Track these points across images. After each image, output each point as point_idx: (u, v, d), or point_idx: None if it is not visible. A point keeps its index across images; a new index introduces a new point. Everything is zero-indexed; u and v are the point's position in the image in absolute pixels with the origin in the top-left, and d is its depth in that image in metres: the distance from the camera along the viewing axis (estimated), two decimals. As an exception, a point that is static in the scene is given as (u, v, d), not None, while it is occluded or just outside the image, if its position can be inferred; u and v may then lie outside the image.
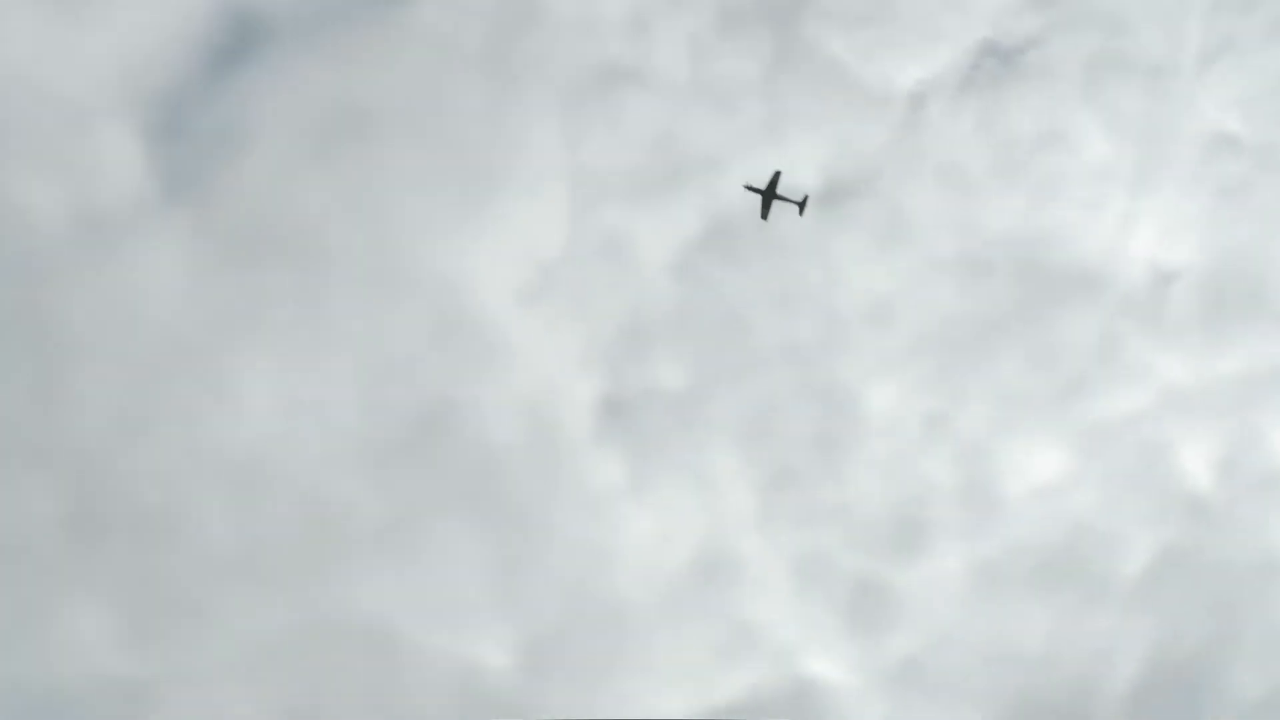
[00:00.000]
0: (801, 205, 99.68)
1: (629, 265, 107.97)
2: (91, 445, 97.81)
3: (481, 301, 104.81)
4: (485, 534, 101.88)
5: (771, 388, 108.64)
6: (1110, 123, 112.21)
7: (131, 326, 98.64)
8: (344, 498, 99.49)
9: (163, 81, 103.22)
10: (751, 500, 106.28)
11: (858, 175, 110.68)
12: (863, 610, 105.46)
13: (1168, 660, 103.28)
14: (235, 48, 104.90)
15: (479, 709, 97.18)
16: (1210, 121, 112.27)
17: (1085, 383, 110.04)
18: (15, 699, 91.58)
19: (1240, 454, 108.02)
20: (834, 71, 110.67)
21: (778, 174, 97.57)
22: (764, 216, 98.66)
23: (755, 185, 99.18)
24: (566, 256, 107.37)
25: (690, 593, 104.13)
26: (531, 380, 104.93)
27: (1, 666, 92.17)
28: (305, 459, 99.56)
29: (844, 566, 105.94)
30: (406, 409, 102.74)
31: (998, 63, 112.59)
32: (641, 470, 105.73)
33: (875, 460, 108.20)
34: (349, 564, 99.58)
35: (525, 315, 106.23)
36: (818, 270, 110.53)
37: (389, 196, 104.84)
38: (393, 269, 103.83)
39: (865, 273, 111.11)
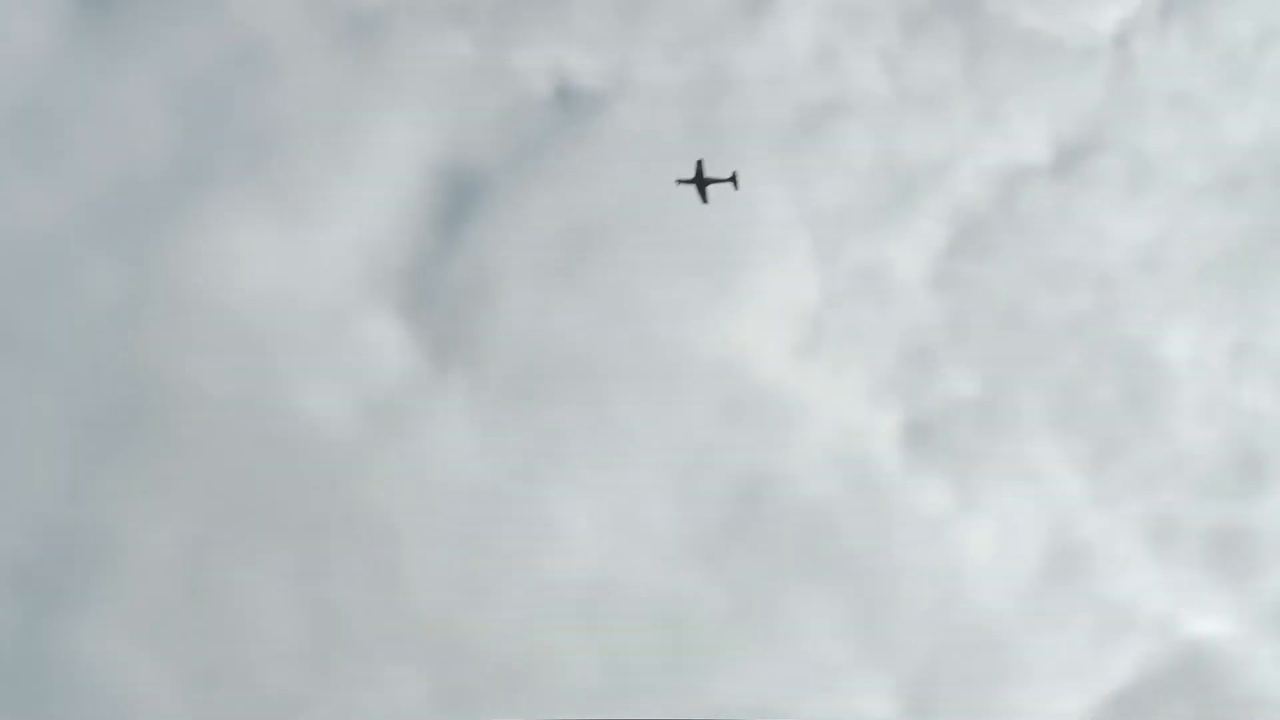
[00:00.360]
0: (733, 179, 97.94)
1: (890, 290, 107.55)
2: (440, 617, 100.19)
3: (761, 369, 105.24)
4: (832, 592, 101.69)
5: (1067, 365, 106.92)
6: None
7: (445, 495, 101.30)
8: (689, 597, 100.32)
9: (402, 256, 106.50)
10: (1083, 482, 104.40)
11: (1087, 132, 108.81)
12: (1226, 558, 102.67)
13: None
14: (458, 204, 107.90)
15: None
16: None
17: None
18: None
19: None
20: (1032, 40, 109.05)
21: (700, 161, 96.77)
22: (704, 200, 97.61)
23: (684, 177, 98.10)
24: (828, 300, 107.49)
25: (1050, 590, 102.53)
26: (832, 430, 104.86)
27: None
28: (642, 570, 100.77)
29: (1195, 520, 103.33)
30: (723, 494, 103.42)
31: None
32: (965, 485, 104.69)
33: (1193, 406, 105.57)
34: (710, 659, 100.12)
35: (806, 369, 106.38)
36: (1076, 237, 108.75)
37: (642, 296, 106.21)
38: (668, 364, 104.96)
39: (1123, 225, 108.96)
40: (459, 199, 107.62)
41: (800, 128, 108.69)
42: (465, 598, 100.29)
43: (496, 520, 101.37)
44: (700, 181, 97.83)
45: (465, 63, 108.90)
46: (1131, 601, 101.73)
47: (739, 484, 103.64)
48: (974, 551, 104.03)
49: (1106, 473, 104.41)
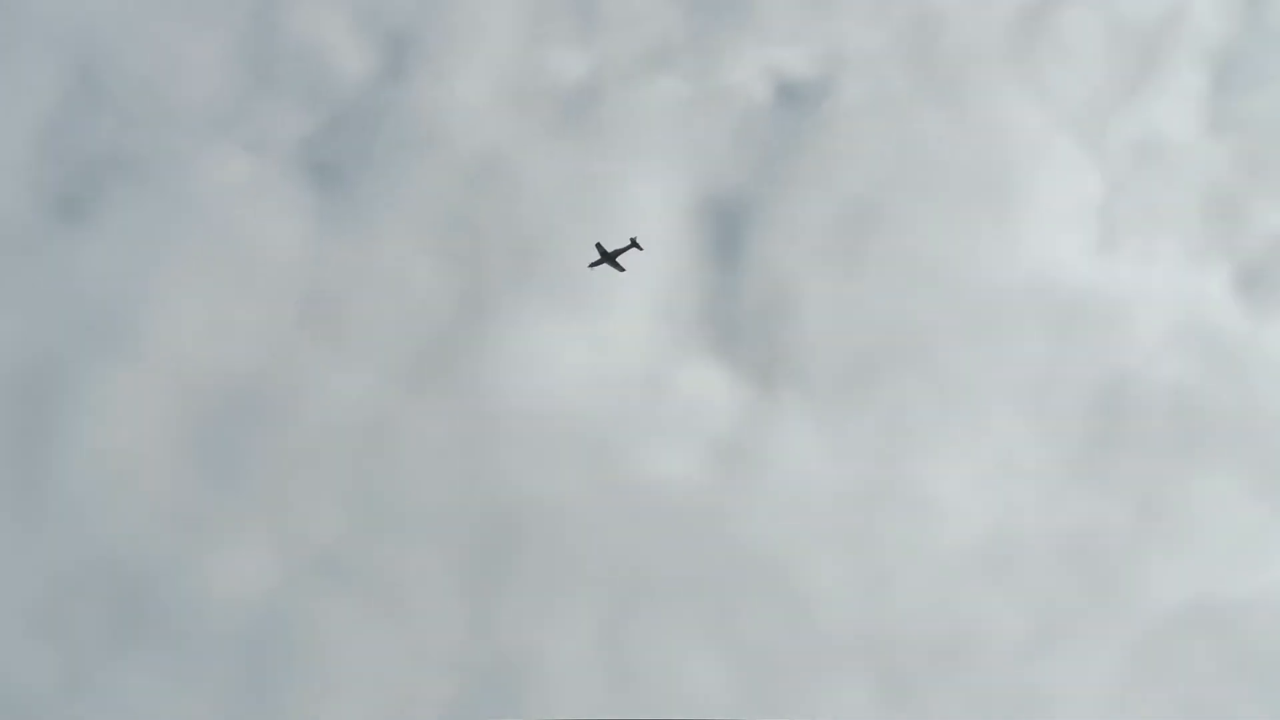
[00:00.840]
0: (634, 243, 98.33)
1: (1169, 151, 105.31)
2: (857, 622, 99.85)
3: (1074, 274, 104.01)
4: (1230, 462, 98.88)
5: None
6: None
7: (818, 506, 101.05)
8: (1091, 518, 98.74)
9: (694, 301, 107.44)
10: None
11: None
12: None
13: None
14: (726, 232, 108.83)
15: None
16: None
17: None
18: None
19: None
20: None
21: (599, 244, 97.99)
22: (620, 270, 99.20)
23: (592, 260, 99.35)
24: (1113, 185, 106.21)
25: None
26: (1167, 307, 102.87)
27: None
28: (1036, 510, 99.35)
29: None
30: (1085, 408, 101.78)
31: None
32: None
33: None
34: (1133, 572, 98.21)
35: (1117, 257, 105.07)
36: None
37: (933, 247, 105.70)
38: (983, 304, 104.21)
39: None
40: (726, 227, 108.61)
41: (1022, 32, 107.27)
42: (874, 596, 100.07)
43: (877, 513, 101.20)
44: (607, 258, 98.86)
45: (683, 99, 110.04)
46: None
47: (1097, 393, 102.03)
48: None
49: None
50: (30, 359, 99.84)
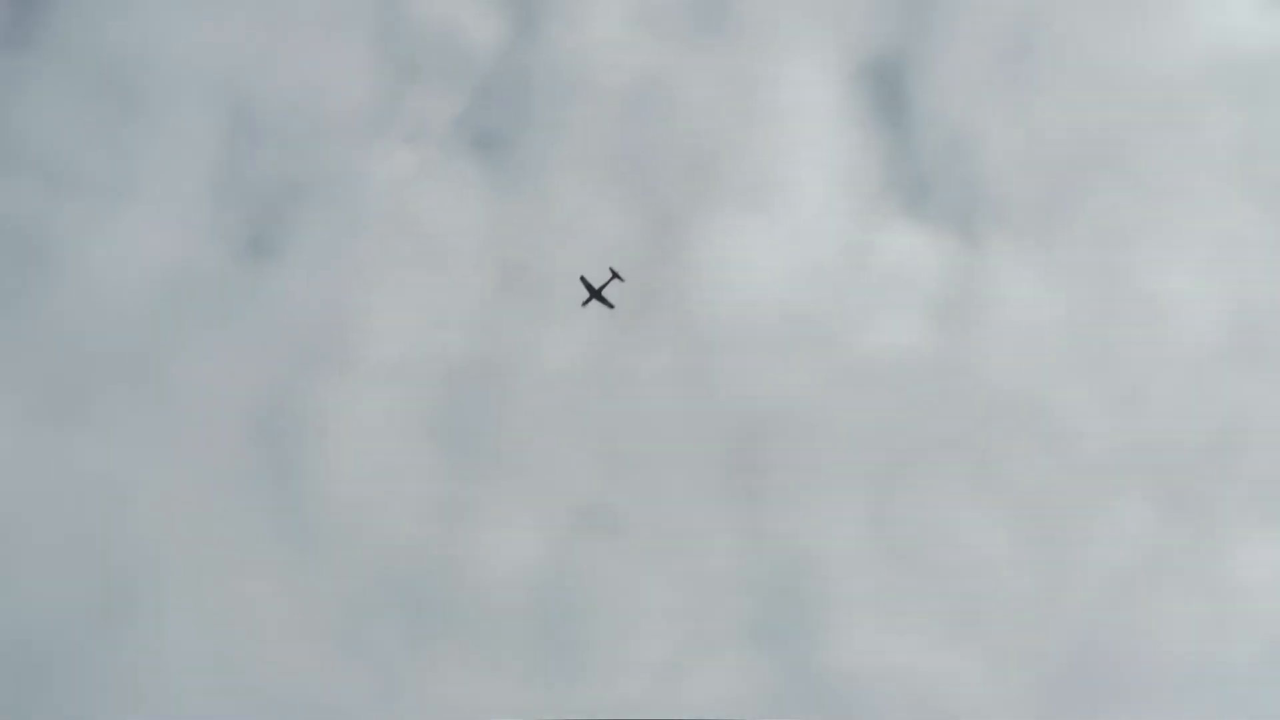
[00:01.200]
0: (616, 275, 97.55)
1: None
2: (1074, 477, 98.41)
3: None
4: None
5: None
6: None
7: (1047, 338, 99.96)
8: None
9: (874, 168, 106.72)
10: None
11: None
12: None
13: None
14: (889, 94, 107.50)
15: None
16: None
17: None
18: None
19: None
20: None
21: (584, 278, 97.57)
22: (610, 306, 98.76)
23: (584, 300, 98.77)
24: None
25: None
26: None
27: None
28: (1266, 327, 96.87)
29: None
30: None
31: None
32: None
33: None
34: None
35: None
36: None
37: (1099, 47, 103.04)
38: (1172, 85, 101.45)
39: None
40: (888, 85, 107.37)
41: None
42: (1131, 411, 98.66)
43: (1112, 328, 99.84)
44: (595, 294, 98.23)
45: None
46: None
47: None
48: None
49: None
50: (268, 396, 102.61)
